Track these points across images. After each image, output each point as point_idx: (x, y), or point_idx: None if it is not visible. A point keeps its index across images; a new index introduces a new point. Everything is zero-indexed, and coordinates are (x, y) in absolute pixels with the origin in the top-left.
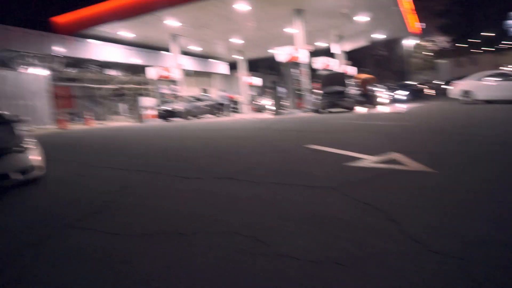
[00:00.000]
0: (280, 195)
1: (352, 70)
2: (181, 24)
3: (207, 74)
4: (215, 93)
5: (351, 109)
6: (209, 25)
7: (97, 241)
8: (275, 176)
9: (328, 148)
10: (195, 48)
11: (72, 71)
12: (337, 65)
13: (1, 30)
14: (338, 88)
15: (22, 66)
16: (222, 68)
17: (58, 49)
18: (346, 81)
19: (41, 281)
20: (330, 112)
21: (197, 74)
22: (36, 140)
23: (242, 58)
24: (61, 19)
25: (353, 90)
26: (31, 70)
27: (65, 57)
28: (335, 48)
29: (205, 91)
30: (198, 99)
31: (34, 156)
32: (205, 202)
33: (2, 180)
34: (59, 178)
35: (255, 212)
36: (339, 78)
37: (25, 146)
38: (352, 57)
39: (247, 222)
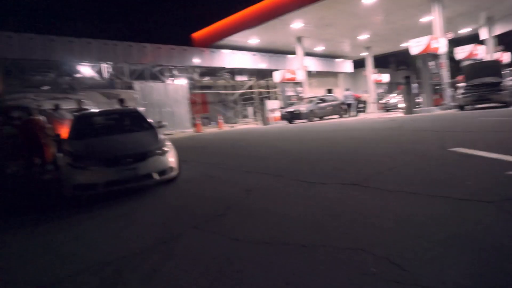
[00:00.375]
0: (418, 208)
1: (506, 57)
2: (305, 25)
3: (332, 74)
4: (340, 93)
5: (508, 104)
6: (334, 24)
7: (219, 245)
8: (411, 185)
9: (481, 152)
10: (319, 48)
11: (207, 80)
12: (486, 53)
13: (154, 49)
14: (490, 79)
15: (167, 77)
16: (347, 66)
17: (196, 61)
18: (501, 71)
19: (168, 280)
20: (477, 108)
21: (321, 74)
22: (171, 144)
23: (368, 54)
24: (199, 34)
25: (510, 81)
26: (174, 81)
27: (201, 67)
28: (483, 33)
29: (329, 91)
30: (322, 100)
31: (171, 158)
32: (329, 211)
33: (146, 180)
34: (191, 178)
35: (388, 227)
36: (491, 68)
37: (164, 149)
38: (507, 41)
39: (378, 239)
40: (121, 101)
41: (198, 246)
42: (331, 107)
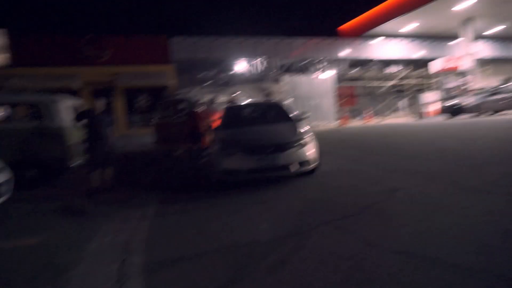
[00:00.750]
0: None
1: None
2: (476, 2)
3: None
4: None
5: None
6: None
7: (352, 247)
8: None
9: None
10: (492, 30)
11: (355, 71)
12: None
13: (301, 43)
14: None
15: (314, 70)
16: None
17: (343, 53)
18: None
19: (295, 274)
20: None
21: (495, 61)
22: (313, 136)
23: None
24: (346, 25)
25: None
26: (321, 74)
27: (348, 59)
28: None
29: (507, 80)
30: (496, 92)
31: (310, 151)
32: (494, 227)
33: (284, 170)
34: (330, 172)
35: None
36: None
37: (303, 141)
38: None
39: None
40: (268, 94)
41: (329, 244)
42: (508, 100)
